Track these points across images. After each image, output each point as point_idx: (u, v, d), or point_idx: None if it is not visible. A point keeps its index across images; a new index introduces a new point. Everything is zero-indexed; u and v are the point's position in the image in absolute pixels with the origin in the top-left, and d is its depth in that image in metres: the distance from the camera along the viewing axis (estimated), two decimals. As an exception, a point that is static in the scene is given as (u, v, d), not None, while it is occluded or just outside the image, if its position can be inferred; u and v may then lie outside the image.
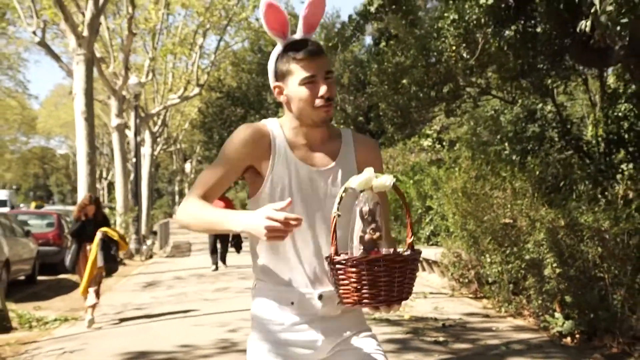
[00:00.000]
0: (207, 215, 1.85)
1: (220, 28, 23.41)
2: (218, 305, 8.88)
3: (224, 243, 13.93)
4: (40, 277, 12.95)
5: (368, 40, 20.26)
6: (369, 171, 1.72)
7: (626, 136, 10.14)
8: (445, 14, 10.43)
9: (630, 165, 9.31)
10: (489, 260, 7.79)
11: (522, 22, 9.61)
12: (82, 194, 12.53)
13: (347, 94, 24.47)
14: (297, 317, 1.95)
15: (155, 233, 23.23)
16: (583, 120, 14.40)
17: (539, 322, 6.92)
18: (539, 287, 6.74)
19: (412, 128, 18.12)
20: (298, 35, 1.96)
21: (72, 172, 55.45)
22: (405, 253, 1.74)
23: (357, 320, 2.04)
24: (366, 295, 1.68)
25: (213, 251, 13.75)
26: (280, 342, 1.96)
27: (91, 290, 7.74)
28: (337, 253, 1.72)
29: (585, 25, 5.51)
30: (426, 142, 17.12)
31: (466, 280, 9.23)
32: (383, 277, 1.67)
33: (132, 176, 21.04)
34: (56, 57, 15.37)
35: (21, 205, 38.46)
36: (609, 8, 4.96)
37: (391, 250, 1.75)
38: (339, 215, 1.71)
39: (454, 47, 10.66)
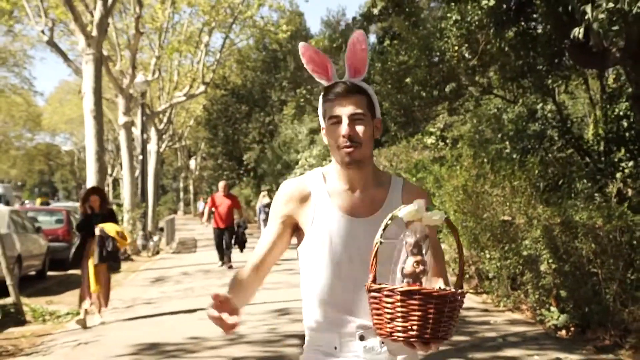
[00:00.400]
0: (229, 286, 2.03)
1: (225, 26, 23.55)
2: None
3: (228, 242, 14.04)
4: (50, 273, 13.22)
5: (372, 39, 20.42)
6: (419, 202, 1.67)
7: (626, 135, 10.28)
8: (448, 15, 10.64)
9: (630, 164, 9.45)
10: (488, 256, 8.01)
11: (523, 23, 9.82)
12: (91, 191, 12.69)
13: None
14: None
15: (161, 229, 23.44)
16: (584, 119, 14.51)
17: (535, 315, 7.15)
18: (535, 282, 6.97)
19: (415, 126, 18.32)
20: (345, 77, 1.99)
21: (77, 169, 55.65)
22: (447, 290, 1.67)
23: None
24: (398, 328, 1.62)
25: (219, 247, 13.91)
26: None
27: (94, 295, 7.61)
28: (374, 281, 1.67)
29: (578, 32, 5.72)
30: (429, 140, 17.24)
31: (467, 276, 9.43)
32: (417, 312, 1.60)
33: (137, 173, 21.26)
34: (64, 56, 15.57)
35: (26, 202, 38.70)
36: (601, 16, 5.15)
37: (436, 286, 1.72)
38: (380, 243, 1.67)
39: (456, 48, 10.85)
